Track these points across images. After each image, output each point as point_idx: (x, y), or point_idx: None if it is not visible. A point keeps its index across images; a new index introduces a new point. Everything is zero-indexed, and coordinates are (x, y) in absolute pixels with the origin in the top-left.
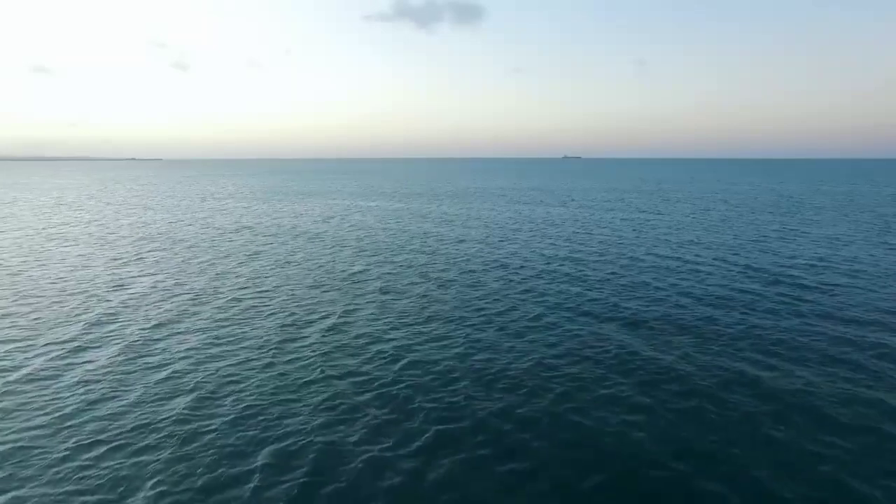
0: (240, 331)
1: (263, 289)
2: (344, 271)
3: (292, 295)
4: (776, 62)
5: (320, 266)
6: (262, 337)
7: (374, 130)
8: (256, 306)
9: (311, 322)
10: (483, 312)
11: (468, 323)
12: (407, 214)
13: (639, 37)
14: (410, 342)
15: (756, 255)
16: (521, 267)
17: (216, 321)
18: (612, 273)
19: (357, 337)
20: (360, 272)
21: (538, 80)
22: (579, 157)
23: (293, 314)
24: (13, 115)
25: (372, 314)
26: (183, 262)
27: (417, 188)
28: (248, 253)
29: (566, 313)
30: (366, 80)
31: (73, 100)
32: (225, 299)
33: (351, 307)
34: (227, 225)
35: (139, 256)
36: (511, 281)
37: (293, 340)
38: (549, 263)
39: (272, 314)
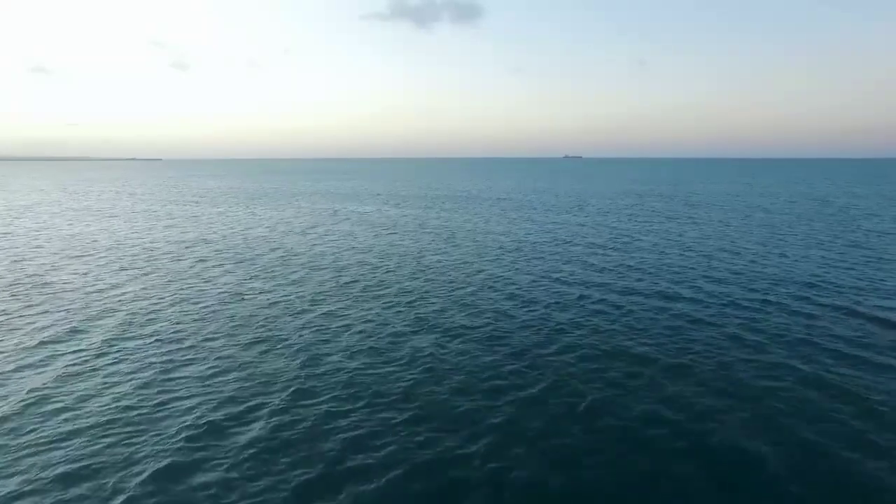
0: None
1: (171, 349)
2: (294, 319)
3: (209, 357)
4: (776, 62)
5: (259, 316)
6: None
7: (374, 130)
8: (145, 387)
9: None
10: (489, 408)
11: (469, 424)
12: (399, 223)
13: (639, 37)
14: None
15: (846, 288)
16: (542, 318)
17: (63, 408)
18: (666, 325)
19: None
20: (322, 315)
21: (538, 80)
22: (580, 157)
23: (198, 413)
24: (13, 116)
25: (323, 411)
26: (85, 291)
27: (414, 190)
28: (186, 287)
29: (609, 412)
30: (365, 79)
31: (72, 100)
32: (87, 363)
33: (294, 389)
34: (179, 239)
35: (39, 281)
36: (518, 346)
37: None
38: (571, 307)
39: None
